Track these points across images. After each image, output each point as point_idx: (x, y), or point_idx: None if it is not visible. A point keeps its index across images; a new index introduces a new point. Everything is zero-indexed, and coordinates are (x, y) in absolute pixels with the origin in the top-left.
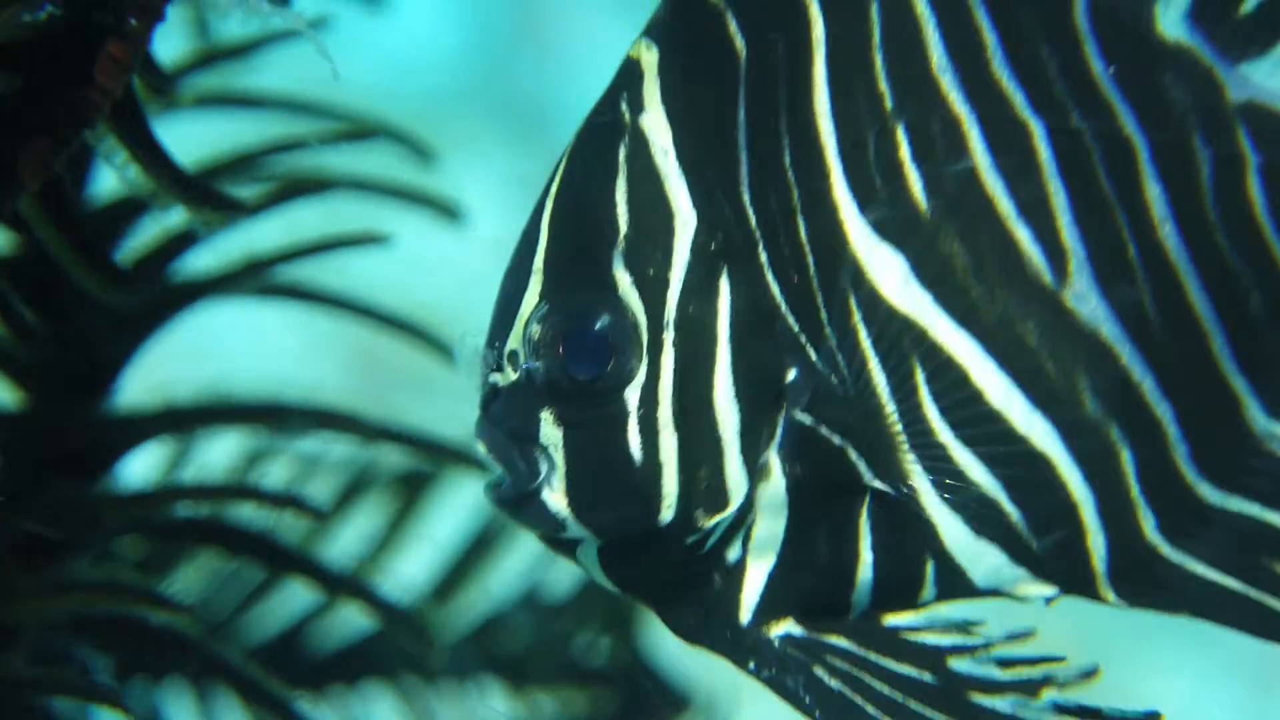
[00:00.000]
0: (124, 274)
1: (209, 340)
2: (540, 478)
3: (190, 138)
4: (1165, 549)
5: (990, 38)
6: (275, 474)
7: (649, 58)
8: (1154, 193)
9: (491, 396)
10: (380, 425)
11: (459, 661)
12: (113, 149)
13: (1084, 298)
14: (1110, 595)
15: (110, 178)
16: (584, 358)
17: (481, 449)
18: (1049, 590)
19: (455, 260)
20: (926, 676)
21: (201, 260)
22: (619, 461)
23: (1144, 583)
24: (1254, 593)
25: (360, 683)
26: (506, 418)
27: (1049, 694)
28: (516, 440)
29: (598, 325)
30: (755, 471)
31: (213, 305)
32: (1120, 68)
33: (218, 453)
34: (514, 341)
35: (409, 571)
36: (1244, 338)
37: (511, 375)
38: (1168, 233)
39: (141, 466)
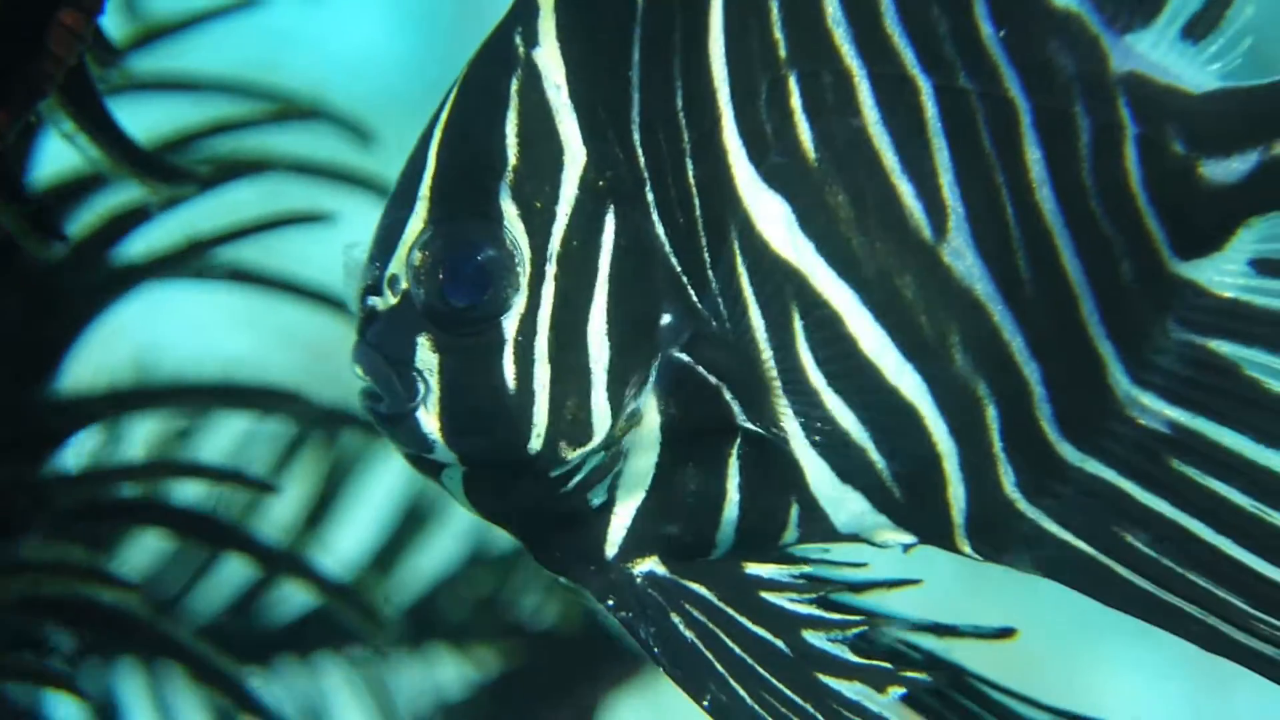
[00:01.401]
0: (73, 245)
1: (147, 325)
2: (416, 400)
3: (128, 119)
4: (1022, 505)
5: None
6: (212, 449)
7: None
8: (1034, 156)
9: (370, 319)
10: (320, 402)
11: (408, 631)
12: (62, 119)
13: (960, 254)
14: (966, 547)
15: (52, 156)
16: (463, 285)
17: (358, 370)
18: (907, 538)
19: None
20: (780, 644)
21: (142, 244)
22: (491, 389)
23: (999, 538)
24: (1100, 557)
25: (312, 655)
26: (384, 341)
27: (896, 690)
28: (393, 363)
29: (479, 255)
30: (621, 407)
31: (152, 289)
32: (1009, 31)
33: (145, 431)
34: (396, 266)
35: (348, 544)
36: (1112, 303)
37: (392, 299)
38: (1044, 196)
39: (76, 448)
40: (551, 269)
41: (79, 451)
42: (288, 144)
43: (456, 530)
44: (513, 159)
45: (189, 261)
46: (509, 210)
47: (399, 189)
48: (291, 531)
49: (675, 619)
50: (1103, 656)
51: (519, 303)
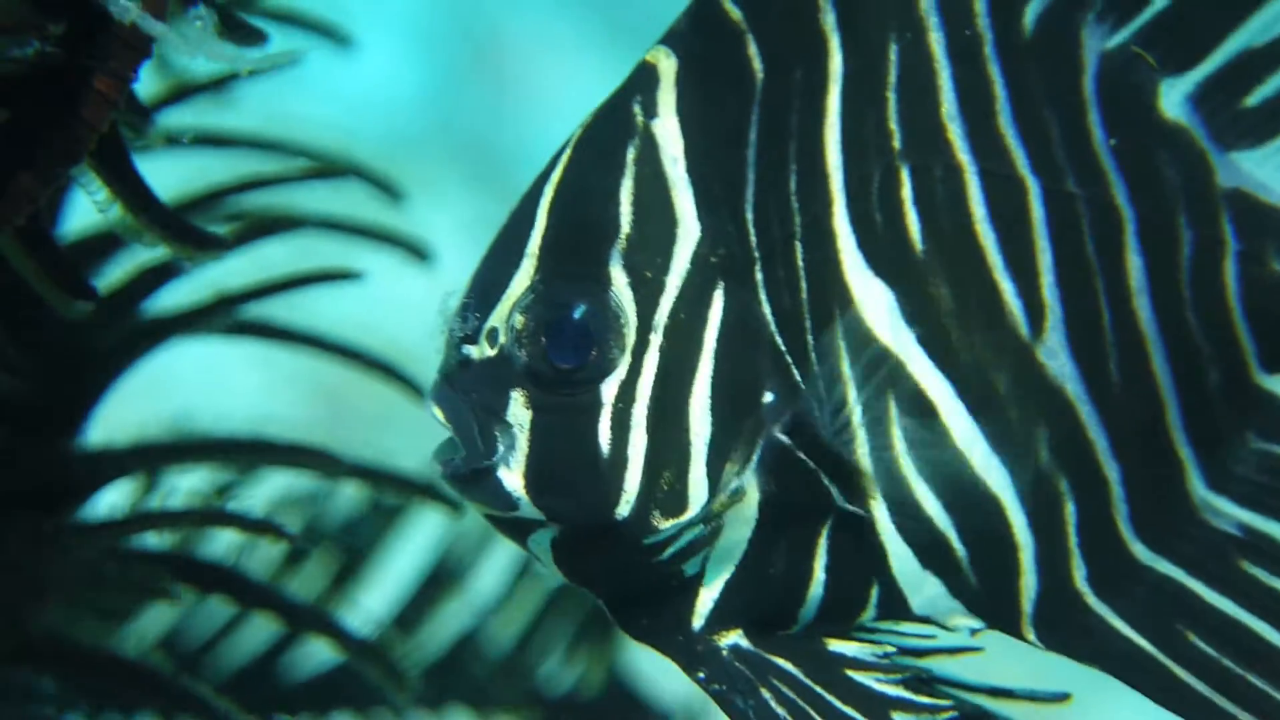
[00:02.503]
0: (102, 300)
1: (173, 379)
2: (498, 455)
3: (157, 174)
4: (1091, 599)
5: (1000, 93)
6: (247, 503)
7: (667, 65)
8: (1134, 264)
9: (460, 366)
10: (348, 460)
11: (428, 691)
12: (94, 184)
13: (1054, 354)
14: (1031, 635)
15: (82, 210)
16: (567, 346)
17: (437, 414)
18: (976, 623)
19: (419, 302)
20: None
21: (171, 298)
22: (585, 451)
23: (1066, 630)
24: (1162, 657)
25: (331, 714)
26: (473, 389)
27: None
28: (478, 414)
29: (584, 318)
30: (720, 482)
31: (178, 343)
32: (1120, 139)
33: (184, 489)
34: (497, 319)
35: (373, 604)
36: (1197, 411)
37: (488, 350)
38: (1141, 304)
39: (110, 503)
40: (657, 339)
41: (108, 505)
42: (315, 199)
43: (480, 590)
44: (626, 226)
45: (217, 317)
46: (618, 277)
47: (502, 241)
48: (318, 589)
49: (765, 694)
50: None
51: (621, 369)
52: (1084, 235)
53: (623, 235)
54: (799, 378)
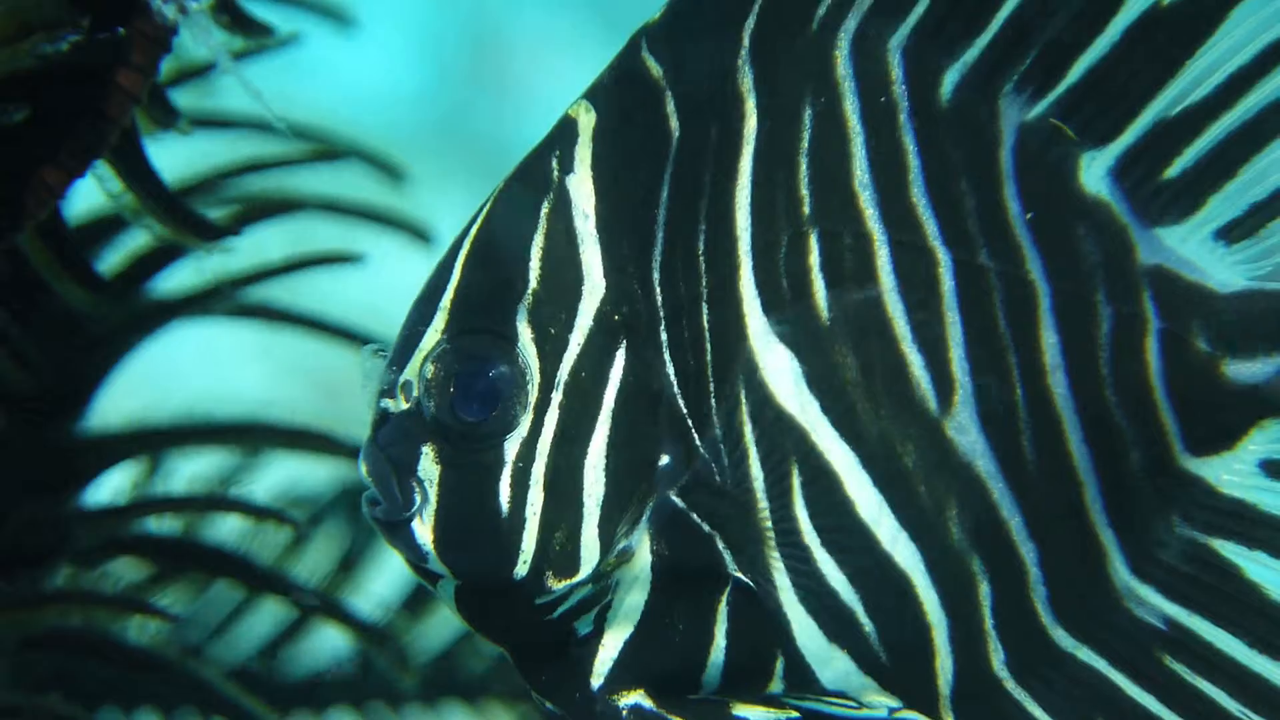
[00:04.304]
0: (109, 287)
1: (172, 365)
2: (413, 509)
3: (158, 157)
4: (1010, 685)
5: (914, 162)
6: (253, 490)
7: (586, 120)
8: (1049, 340)
9: (382, 421)
10: (353, 445)
11: (425, 685)
12: (107, 174)
13: (964, 430)
14: (949, 718)
15: (81, 196)
16: (473, 400)
17: (363, 469)
18: (893, 703)
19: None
20: None
21: (171, 281)
22: (485, 510)
23: (983, 714)
24: None
25: (327, 710)
26: (391, 444)
27: None
28: (397, 469)
29: (491, 372)
30: (612, 543)
31: (177, 328)
32: (1037, 213)
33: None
34: (410, 372)
35: (376, 593)
36: (1117, 493)
37: (403, 404)
38: (1057, 380)
39: (114, 487)
40: (558, 397)
41: (109, 488)
42: (316, 182)
43: None
44: (534, 282)
45: (218, 300)
46: (524, 332)
47: (423, 296)
48: (324, 577)
49: None
50: None
51: (523, 426)
52: (996, 309)
53: (530, 291)
54: (698, 441)
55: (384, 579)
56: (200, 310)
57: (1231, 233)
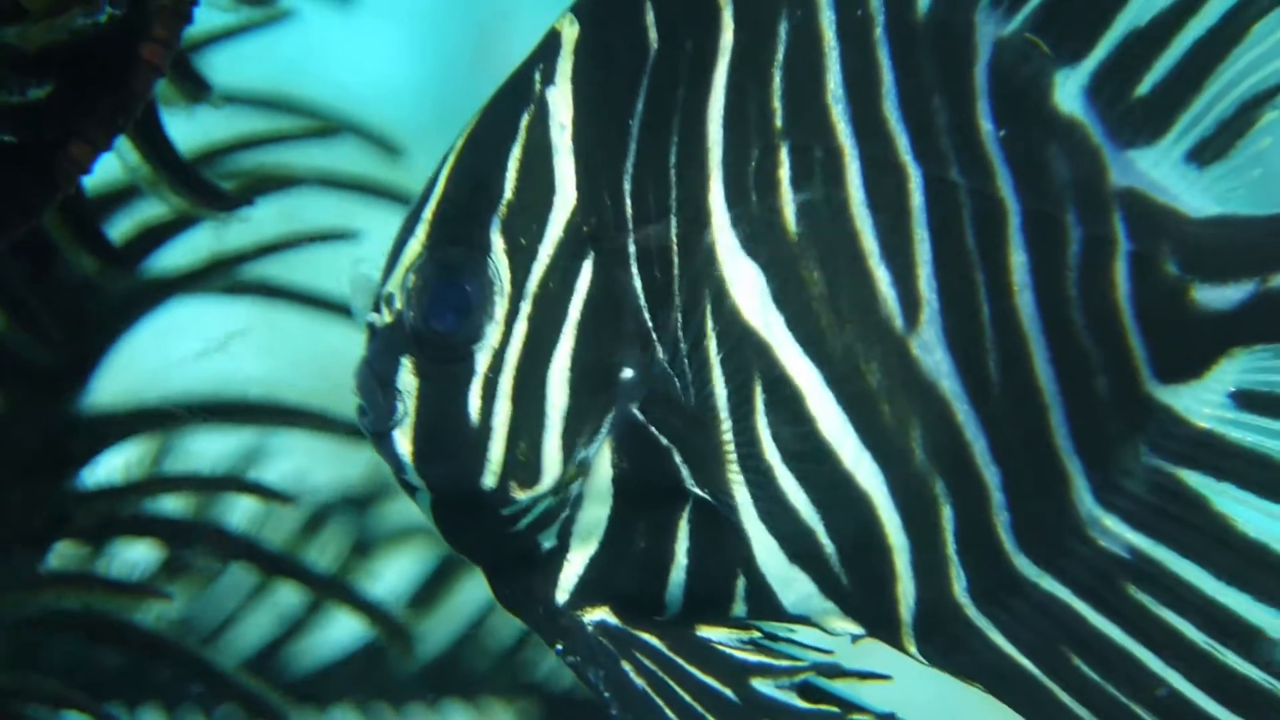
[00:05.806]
0: (121, 258)
1: (167, 342)
2: (394, 418)
3: None
4: (970, 611)
5: (887, 77)
6: (265, 473)
7: (569, 33)
8: (1018, 259)
9: (371, 335)
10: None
11: (425, 684)
12: (125, 146)
13: (929, 348)
14: (912, 647)
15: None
16: (445, 311)
17: (352, 383)
18: (856, 629)
19: None
20: (729, 692)
21: (166, 258)
22: (456, 420)
23: (945, 642)
24: (1042, 677)
25: (330, 708)
26: (375, 359)
27: None
28: (380, 382)
29: (462, 281)
30: (573, 456)
31: (173, 306)
32: (1010, 131)
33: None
34: (393, 285)
35: (385, 585)
36: (1083, 418)
37: (387, 318)
38: (1024, 301)
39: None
40: (527, 307)
41: (110, 467)
42: (314, 158)
43: (483, 585)
44: (509, 193)
45: (215, 276)
46: (497, 243)
47: (411, 211)
48: (336, 563)
49: (626, 667)
50: None
51: (493, 336)
52: (965, 227)
53: (504, 201)
54: (662, 354)
55: (383, 581)
56: (197, 287)
57: (1202, 154)
